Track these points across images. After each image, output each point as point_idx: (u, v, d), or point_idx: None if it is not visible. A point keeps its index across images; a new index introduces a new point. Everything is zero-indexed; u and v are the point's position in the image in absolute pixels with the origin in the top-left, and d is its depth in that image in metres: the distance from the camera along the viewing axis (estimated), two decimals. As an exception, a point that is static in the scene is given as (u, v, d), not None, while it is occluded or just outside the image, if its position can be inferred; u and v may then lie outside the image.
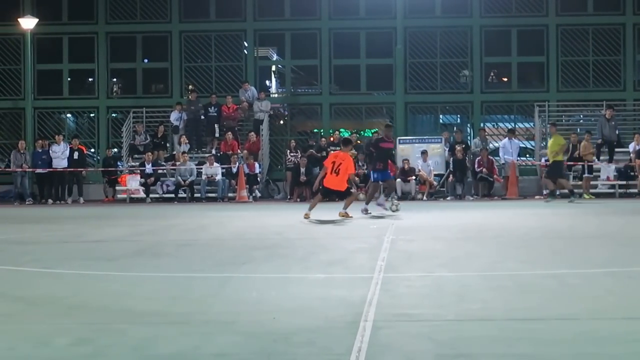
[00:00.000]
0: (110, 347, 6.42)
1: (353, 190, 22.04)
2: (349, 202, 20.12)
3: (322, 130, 36.27)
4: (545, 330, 6.71)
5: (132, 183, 31.90)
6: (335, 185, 20.30)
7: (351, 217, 19.61)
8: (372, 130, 35.99)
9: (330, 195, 21.63)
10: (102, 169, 33.49)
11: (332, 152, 31.80)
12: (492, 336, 6.51)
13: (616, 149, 32.63)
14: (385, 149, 22.66)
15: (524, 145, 35.37)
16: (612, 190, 31.70)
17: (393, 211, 21.38)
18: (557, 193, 28.00)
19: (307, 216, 19.28)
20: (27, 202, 32.11)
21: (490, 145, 33.50)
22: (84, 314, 7.92)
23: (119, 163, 33.70)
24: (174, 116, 34.20)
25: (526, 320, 7.13)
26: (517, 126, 35.50)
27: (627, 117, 35.89)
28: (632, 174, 31.51)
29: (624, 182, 31.66)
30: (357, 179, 28.96)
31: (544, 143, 33.82)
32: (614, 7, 35.97)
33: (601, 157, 32.22)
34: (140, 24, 37.00)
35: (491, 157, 31.78)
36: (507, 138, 32.76)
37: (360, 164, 31.18)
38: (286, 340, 6.51)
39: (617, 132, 32.84)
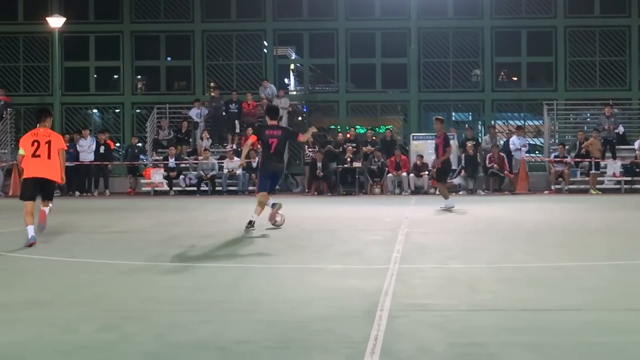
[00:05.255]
0: (134, 334, 6.70)
1: None
2: None
3: (339, 127, 36.57)
4: (551, 320, 7.08)
5: (156, 176, 32.17)
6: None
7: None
8: (387, 127, 36.34)
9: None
10: (126, 162, 33.62)
11: (348, 147, 32.10)
12: (502, 325, 6.87)
13: (622, 146, 32.96)
14: None
15: (532, 143, 35.76)
16: (617, 186, 32.01)
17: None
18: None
19: None
20: (54, 194, 32.02)
21: (500, 141, 33.64)
22: (108, 302, 8.23)
23: (141, 156, 33.81)
24: (193, 112, 34.49)
25: (534, 311, 7.48)
26: (526, 124, 35.83)
27: (633, 116, 36.25)
28: (637, 170, 31.89)
29: (629, 178, 31.95)
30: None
31: (553, 140, 34.15)
32: (620, 10, 36.38)
33: (607, 154, 32.45)
34: (163, 23, 37.30)
35: (502, 154, 31.91)
36: (515, 135, 32.89)
37: (375, 159, 31.57)
38: (305, 328, 6.78)
39: (617, 128, 33.06)
